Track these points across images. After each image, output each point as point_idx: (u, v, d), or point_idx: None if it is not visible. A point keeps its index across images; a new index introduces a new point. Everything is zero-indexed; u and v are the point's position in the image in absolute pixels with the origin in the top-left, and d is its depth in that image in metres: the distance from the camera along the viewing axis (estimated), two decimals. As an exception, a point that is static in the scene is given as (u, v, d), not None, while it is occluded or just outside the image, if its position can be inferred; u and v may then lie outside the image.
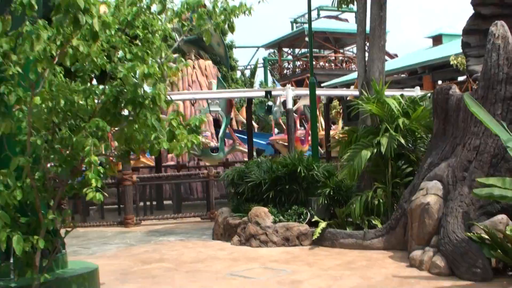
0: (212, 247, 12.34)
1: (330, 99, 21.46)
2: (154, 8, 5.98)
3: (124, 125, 5.52)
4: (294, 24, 56.61)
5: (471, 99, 8.35)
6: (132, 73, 5.24)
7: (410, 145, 12.08)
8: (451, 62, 23.87)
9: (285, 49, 56.38)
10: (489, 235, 8.20)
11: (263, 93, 17.48)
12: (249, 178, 12.81)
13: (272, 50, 62.19)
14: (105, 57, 5.54)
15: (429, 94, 12.77)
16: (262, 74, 56.22)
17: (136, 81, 5.29)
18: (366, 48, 13.40)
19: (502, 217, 8.63)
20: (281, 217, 12.01)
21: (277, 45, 53.80)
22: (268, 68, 58.26)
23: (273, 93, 17.48)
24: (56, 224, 5.83)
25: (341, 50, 53.32)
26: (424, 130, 11.87)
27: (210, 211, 16.98)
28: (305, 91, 17.37)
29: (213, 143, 23.53)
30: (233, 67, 44.95)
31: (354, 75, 32.08)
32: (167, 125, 5.65)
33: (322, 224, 11.40)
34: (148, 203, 20.63)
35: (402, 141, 11.29)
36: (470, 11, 11.44)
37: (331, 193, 12.02)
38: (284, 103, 17.58)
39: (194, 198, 23.26)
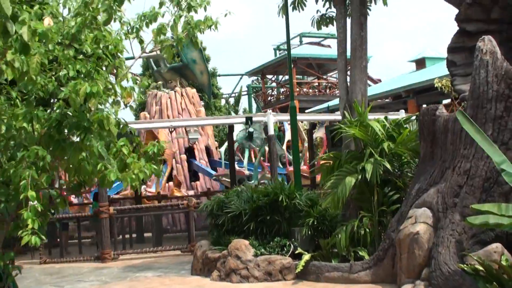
0: (190, 283, 11.61)
1: (313, 124, 20.92)
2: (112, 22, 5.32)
3: (70, 154, 4.82)
4: (277, 51, 56.46)
5: (463, 115, 7.78)
6: (74, 94, 4.56)
7: (396, 170, 11.45)
8: (436, 85, 23.38)
9: (269, 76, 56.06)
10: (483, 266, 7.56)
11: (244, 119, 16.87)
12: (229, 209, 12.14)
13: (256, 78, 62.02)
14: (52, 77, 4.88)
15: (414, 117, 12.22)
16: (246, 102, 55.82)
17: (81, 102, 4.61)
18: (348, 71, 12.86)
19: (496, 245, 8.02)
20: (262, 250, 11.32)
21: (261, 72, 53.44)
22: (252, 95, 57.89)
23: (254, 119, 16.87)
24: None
25: (324, 76, 53.08)
26: (411, 154, 11.28)
27: (190, 243, 16.24)
28: (286, 116, 16.80)
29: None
30: (216, 94, 44.46)
31: (338, 100, 31.68)
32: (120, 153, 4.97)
33: (306, 257, 10.71)
34: (128, 236, 19.82)
35: (388, 166, 10.66)
36: (454, 30, 10.92)
37: (315, 223, 11.37)
38: (265, 129, 16.99)
39: (177, 230, 22.43)
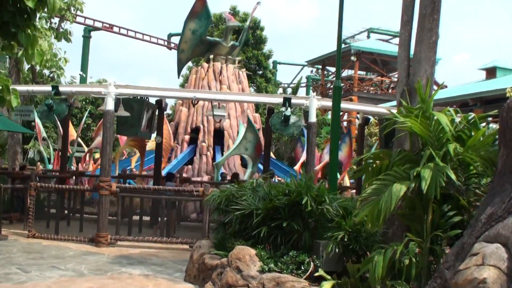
0: (173, 294, 9.07)
1: (366, 119, 18.01)
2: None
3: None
4: (342, 44, 53.37)
5: None
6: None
7: (461, 183, 8.54)
8: (508, 95, 20.29)
9: (330, 68, 53.20)
10: None
11: (281, 100, 14.11)
12: (238, 206, 9.49)
13: (316, 68, 59.38)
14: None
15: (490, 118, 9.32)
16: (304, 93, 53.10)
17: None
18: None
19: None
20: (272, 265, 8.63)
21: (322, 62, 50.70)
22: (310, 87, 55.25)
23: (294, 101, 14.09)
24: None
25: (389, 75, 49.90)
26: (484, 163, 8.29)
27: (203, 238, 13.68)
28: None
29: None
30: (269, 79, 41.87)
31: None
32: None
33: (327, 285, 7.98)
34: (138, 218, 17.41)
35: (453, 176, 7.75)
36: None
37: (346, 239, 8.64)
38: (305, 115, 14.22)
39: (194, 219, 19.87)
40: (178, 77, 25.98)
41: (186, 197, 15.32)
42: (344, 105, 13.89)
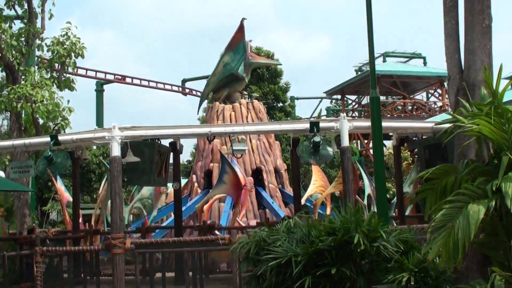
0: None
1: (401, 140, 16.08)
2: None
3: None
4: (359, 72, 51.97)
5: None
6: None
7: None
8: None
9: (350, 97, 51.55)
10: None
11: (307, 126, 12.40)
12: (272, 254, 7.70)
13: (335, 99, 57.97)
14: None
15: None
16: (325, 127, 51.45)
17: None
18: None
19: None
20: (322, 325, 6.81)
21: (341, 91, 49.02)
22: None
23: (322, 125, 12.38)
24: None
25: (411, 96, 48.09)
26: None
27: (234, 293, 11.91)
28: (367, 122, 12.28)
29: None
30: (289, 113, 40.44)
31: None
32: None
33: None
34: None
35: (544, 187, 5.96)
36: None
37: (412, 282, 6.81)
38: (337, 140, 12.48)
39: (224, 270, 18.01)
40: (198, 112, 24.69)
41: (211, 246, 13.54)
42: (387, 123, 12.17)
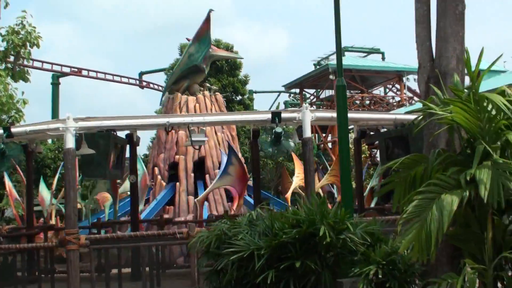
0: None
1: (362, 132, 15.81)
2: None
3: None
4: (317, 66, 51.83)
5: None
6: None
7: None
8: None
9: (308, 91, 51.48)
10: None
11: (269, 116, 12.07)
12: (233, 247, 7.33)
13: (293, 93, 57.79)
14: None
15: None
16: (283, 120, 51.27)
17: None
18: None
19: None
20: (287, 321, 6.47)
21: (299, 84, 48.81)
22: (289, 112, 53.56)
23: (284, 115, 12.07)
24: None
25: (369, 90, 48.25)
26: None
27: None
28: (331, 113, 12.01)
29: None
30: (248, 106, 40.10)
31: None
32: None
33: None
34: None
35: (519, 176, 5.73)
36: None
37: (379, 275, 6.54)
38: (299, 130, 12.19)
39: (181, 265, 17.57)
40: (160, 104, 24.13)
41: (168, 241, 13.11)
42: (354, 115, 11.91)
